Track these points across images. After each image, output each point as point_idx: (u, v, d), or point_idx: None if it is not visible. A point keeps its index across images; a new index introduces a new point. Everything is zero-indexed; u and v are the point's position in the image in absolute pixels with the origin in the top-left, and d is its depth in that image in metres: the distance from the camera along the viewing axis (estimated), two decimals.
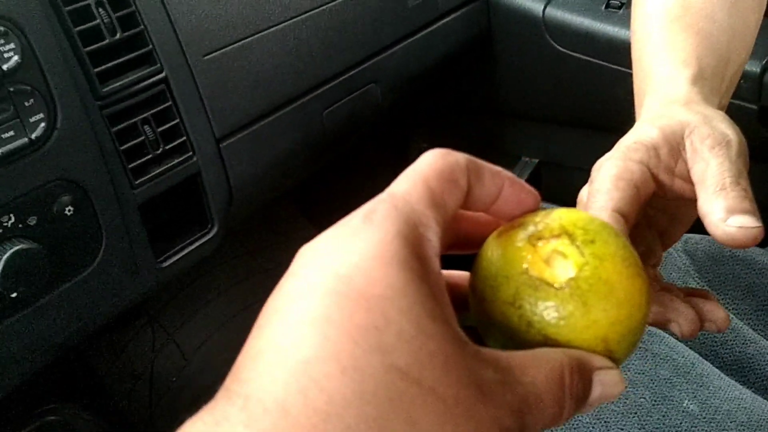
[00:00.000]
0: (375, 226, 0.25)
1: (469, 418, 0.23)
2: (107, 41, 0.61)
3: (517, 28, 1.14)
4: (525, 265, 0.28)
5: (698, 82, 0.50)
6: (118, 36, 0.62)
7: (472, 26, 1.10)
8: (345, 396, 0.22)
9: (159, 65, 0.65)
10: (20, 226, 0.54)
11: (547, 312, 0.27)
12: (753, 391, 0.69)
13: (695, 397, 0.66)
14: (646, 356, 0.69)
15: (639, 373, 0.68)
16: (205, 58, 0.69)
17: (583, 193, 0.50)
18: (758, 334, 0.74)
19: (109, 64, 0.61)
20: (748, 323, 0.75)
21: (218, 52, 0.71)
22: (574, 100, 1.17)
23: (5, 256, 0.53)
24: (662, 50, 0.54)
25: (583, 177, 0.45)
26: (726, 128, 0.44)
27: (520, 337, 0.28)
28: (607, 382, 0.28)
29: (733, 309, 0.77)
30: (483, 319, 0.29)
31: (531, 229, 0.29)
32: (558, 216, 0.29)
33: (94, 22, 0.61)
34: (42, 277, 0.56)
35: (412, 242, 0.25)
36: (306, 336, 0.23)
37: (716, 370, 0.70)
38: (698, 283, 0.79)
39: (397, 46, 0.94)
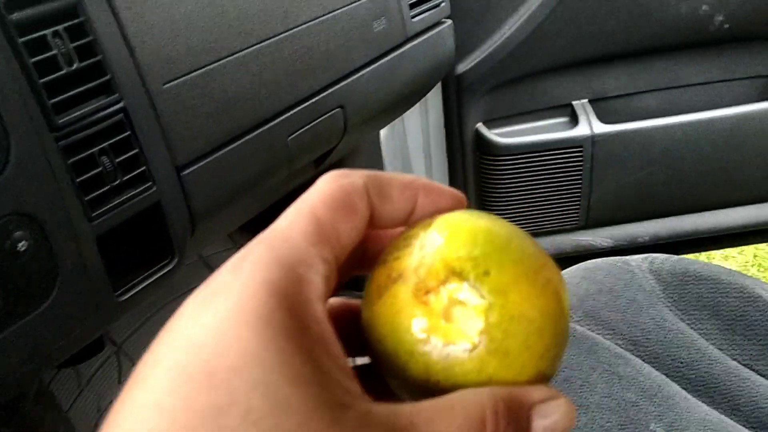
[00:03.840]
0: (241, 278, 0.21)
1: None
2: (64, 71, 0.60)
3: None
4: (424, 334, 0.23)
5: None
6: (75, 66, 0.61)
7: (439, 49, 1.10)
8: None
9: (117, 95, 0.64)
10: None
11: (470, 379, 0.23)
12: (720, 412, 0.69)
13: (661, 419, 0.66)
14: (612, 379, 0.69)
15: (605, 397, 0.68)
16: (165, 86, 0.69)
17: None
18: (724, 354, 0.75)
19: (66, 95, 0.60)
20: (714, 343, 0.76)
21: (179, 80, 0.70)
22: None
23: None
24: None
25: None
26: None
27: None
28: (552, 416, 0.24)
29: (698, 329, 0.77)
30: (392, 384, 0.25)
31: (413, 280, 0.24)
32: (436, 250, 0.24)
33: (50, 53, 0.60)
34: None
35: (283, 290, 0.21)
36: (133, 429, 0.20)
37: (682, 391, 0.70)
38: (663, 303, 0.79)
39: (364, 71, 0.94)
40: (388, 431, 0.21)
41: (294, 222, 0.23)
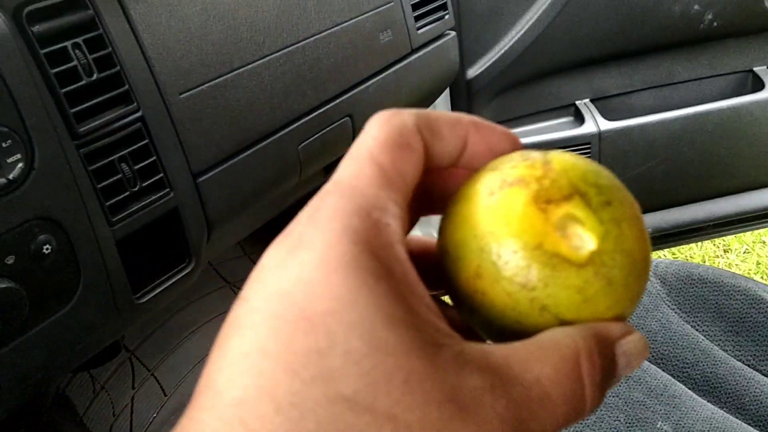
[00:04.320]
0: (319, 227, 0.22)
1: None
2: (84, 82, 0.62)
3: None
4: (536, 237, 0.23)
5: None
6: (94, 77, 0.63)
7: (443, 60, 1.12)
8: None
9: (135, 104, 0.66)
10: None
11: (568, 295, 0.23)
12: (725, 411, 0.70)
13: (668, 418, 0.67)
14: None
15: (613, 396, 0.69)
16: (182, 96, 0.71)
17: None
18: (728, 354, 0.76)
19: (86, 104, 0.62)
20: (718, 344, 0.77)
21: (194, 90, 0.72)
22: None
23: None
24: None
25: None
26: None
27: (529, 321, 0.24)
28: (631, 351, 0.24)
29: (703, 331, 0.78)
30: (476, 298, 0.24)
31: (534, 187, 0.24)
32: (561, 167, 0.24)
33: (70, 64, 0.61)
34: (20, 315, 0.56)
35: (364, 236, 0.21)
36: (239, 373, 0.20)
37: (688, 390, 0.71)
38: (669, 306, 0.81)
39: (371, 81, 0.96)
40: (482, 370, 0.21)
41: (357, 169, 0.23)
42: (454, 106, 1.29)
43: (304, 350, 0.20)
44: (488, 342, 0.24)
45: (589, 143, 1.27)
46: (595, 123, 1.27)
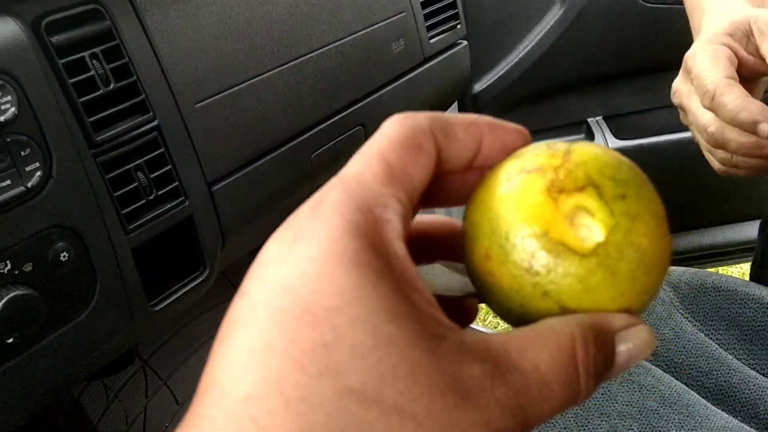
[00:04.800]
0: (321, 221, 0.22)
1: (448, 430, 0.20)
2: (101, 91, 0.63)
3: None
4: (544, 225, 0.24)
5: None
6: (111, 86, 0.64)
7: (455, 69, 1.13)
8: None
9: (152, 114, 0.67)
10: (16, 272, 0.55)
11: (569, 283, 0.24)
12: (739, 420, 0.70)
13: (682, 427, 0.67)
14: (633, 387, 0.70)
15: (626, 405, 0.69)
16: (197, 105, 0.71)
17: (678, 85, 0.68)
18: (742, 363, 0.75)
19: (103, 114, 0.63)
20: (732, 353, 0.77)
21: (209, 100, 0.73)
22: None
23: (1, 303, 0.54)
24: None
25: None
26: None
27: (532, 305, 0.24)
28: (633, 342, 0.24)
29: (716, 340, 0.78)
30: (485, 278, 0.25)
31: (549, 176, 0.24)
32: (580, 159, 0.25)
33: (88, 74, 0.62)
34: (37, 322, 0.57)
35: (365, 231, 0.22)
36: (246, 368, 0.20)
37: (702, 399, 0.71)
38: (682, 315, 0.80)
39: (384, 90, 0.97)
40: (482, 358, 0.21)
41: (365, 165, 0.24)
42: None
43: (311, 345, 0.20)
44: (492, 329, 0.25)
45: None
46: (604, 141, 1.27)
